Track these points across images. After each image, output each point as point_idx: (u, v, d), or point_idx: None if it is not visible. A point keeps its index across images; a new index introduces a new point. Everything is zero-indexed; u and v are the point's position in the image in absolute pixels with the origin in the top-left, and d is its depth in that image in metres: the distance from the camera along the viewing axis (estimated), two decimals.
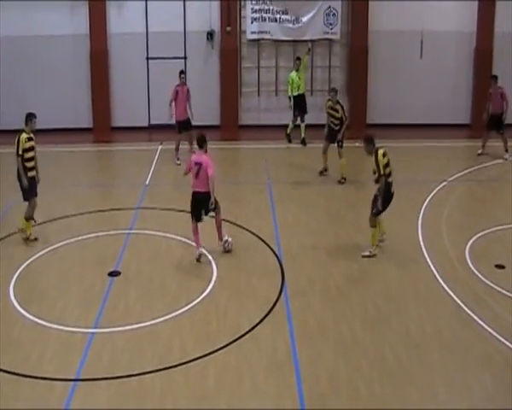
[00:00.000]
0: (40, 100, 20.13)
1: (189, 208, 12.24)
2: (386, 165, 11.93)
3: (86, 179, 17.16)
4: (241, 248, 12.60)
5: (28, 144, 12.61)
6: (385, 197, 12.02)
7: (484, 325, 10.09)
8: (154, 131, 21.23)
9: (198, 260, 12.06)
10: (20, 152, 12.52)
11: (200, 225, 12.13)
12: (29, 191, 12.73)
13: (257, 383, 8.68)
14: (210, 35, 20.99)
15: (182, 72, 18.51)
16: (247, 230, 13.51)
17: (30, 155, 12.69)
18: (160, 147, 19.54)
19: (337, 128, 16.40)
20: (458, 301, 10.77)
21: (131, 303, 10.69)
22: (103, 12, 20.55)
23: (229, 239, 12.44)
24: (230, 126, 21.14)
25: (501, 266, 11.98)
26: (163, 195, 15.65)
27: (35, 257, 12.27)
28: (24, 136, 12.58)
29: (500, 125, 18.53)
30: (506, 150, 18.50)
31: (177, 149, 17.92)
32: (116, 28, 20.76)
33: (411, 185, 16.01)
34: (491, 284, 11.31)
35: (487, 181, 16.73)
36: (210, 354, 9.27)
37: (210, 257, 12.19)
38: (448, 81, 21.61)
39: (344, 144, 16.40)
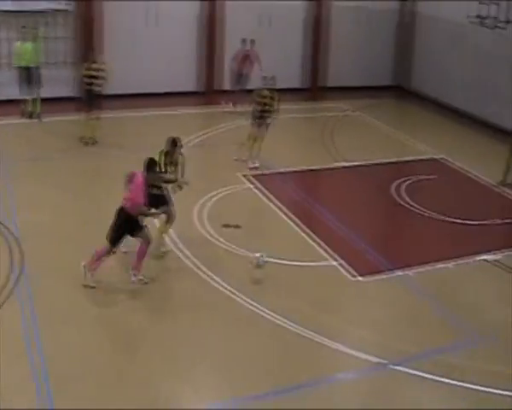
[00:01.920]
0: None
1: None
2: (166, 164, 11.73)
3: None
4: None
5: None
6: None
7: (222, 283, 10.90)
8: None
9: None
10: None
11: None
12: None
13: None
14: None
15: None
16: None
17: None
18: None
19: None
20: (194, 264, 11.47)
21: None
22: None
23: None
24: None
25: (230, 226, 12.91)
26: None
27: None
28: None
29: (241, 83, 20.69)
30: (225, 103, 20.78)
31: None
32: None
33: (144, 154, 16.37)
34: (222, 244, 12.20)
35: (217, 145, 17.52)
36: None
37: None
38: (180, 50, 22.26)
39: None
